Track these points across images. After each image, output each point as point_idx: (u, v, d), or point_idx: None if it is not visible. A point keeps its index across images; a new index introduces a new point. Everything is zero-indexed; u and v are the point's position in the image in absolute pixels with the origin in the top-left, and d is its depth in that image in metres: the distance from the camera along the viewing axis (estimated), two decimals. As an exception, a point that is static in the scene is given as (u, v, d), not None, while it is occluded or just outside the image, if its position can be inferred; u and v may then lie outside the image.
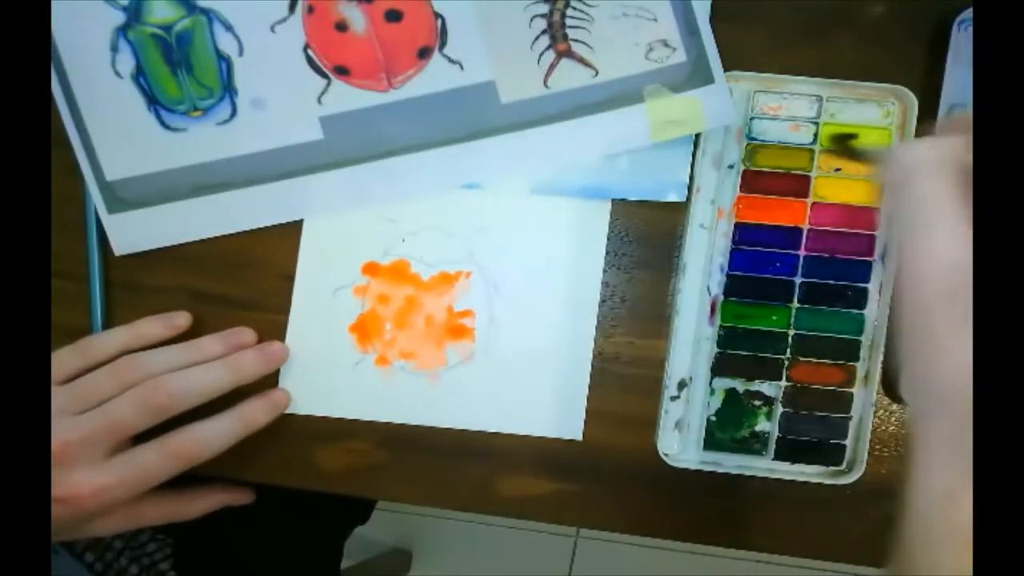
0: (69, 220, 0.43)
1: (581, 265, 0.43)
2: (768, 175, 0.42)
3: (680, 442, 0.42)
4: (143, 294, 0.43)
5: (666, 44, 0.41)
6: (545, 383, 0.42)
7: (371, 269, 0.43)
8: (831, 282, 0.42)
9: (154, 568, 0.53)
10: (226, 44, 0.41)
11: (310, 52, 0.41)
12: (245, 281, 0.43)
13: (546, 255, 0.43)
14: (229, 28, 0.41)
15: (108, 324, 0.43)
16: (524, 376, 0.42)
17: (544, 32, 0.41)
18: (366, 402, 0.43)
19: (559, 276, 0.43)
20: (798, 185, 0.42)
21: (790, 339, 0.42)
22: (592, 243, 0.43)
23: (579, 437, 0.42)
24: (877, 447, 0.42)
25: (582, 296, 0.43)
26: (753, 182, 0.42)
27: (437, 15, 0.41)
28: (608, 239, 0.43)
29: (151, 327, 0.41)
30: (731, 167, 0.42)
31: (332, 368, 0.43)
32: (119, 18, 0.41)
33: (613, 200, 0.43)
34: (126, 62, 0.41)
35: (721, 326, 0.42)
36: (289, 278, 0.43)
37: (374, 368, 0.43)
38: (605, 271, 0.43)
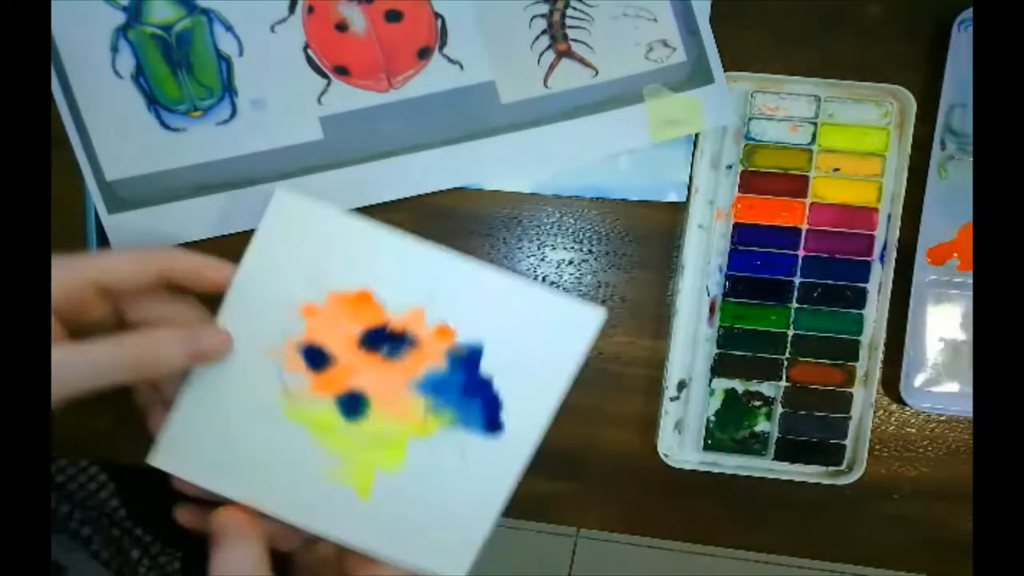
0: (69, 220, 0.43)
1: (538, 389, 0.35)
2: (766, 175, 0.42)
3: (680, 442, 0.42)
4: (143, 294, 0.43)
5: (666, 44, 0.41)
6: (443, 512, 0.35)
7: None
8: (830, 282, 0.42)
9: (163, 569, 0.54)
10: (226, 44, 0.41)
11: (310, 52, 0.41)
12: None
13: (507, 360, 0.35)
14: (229, 28, 0.41)
15: (108, 324, 0.43)
16: (425, 499, 0.35)
17: (544, 32, 0.41)
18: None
19: (508, 394, 0.35)
20: (796, 185, 0.42)
21: (789, 339, 0.42)
22: (564, 359, 0.35)
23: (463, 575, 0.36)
24: (877, 447, 0.42)
25: (523, 427, 0.35)
26: (751, 182, 0.42)
27: (437, 15, 0.41)
28: (608, 239, 0.43)
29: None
30: (729, 167, 0.42)
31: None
32: (119, 18, 0.41)
33: (613, 200, 0.43)
34: (126, 62, 0.41)
35: (720, 326, 0.42)
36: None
37: None
38: (605, 271, 0.43)
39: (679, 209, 0.43)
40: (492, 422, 0.35)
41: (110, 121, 0.42)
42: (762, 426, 0.42)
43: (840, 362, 0.42)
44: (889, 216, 0.42)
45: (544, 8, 0.41)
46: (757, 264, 0.42)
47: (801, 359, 0.42)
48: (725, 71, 0.41)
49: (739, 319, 0.42)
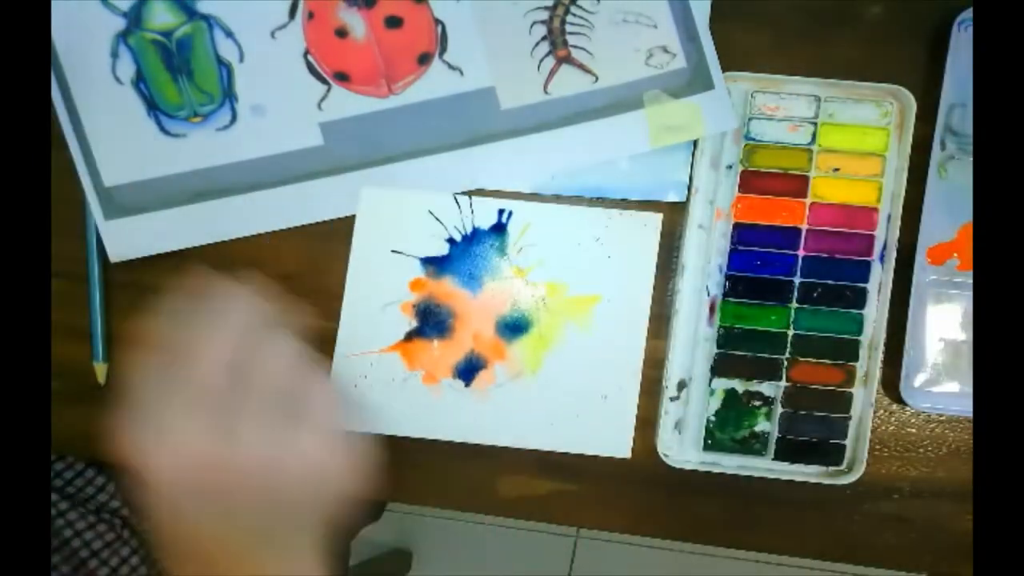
0: (70, 221, 0.43)
1: (632, 280, 0.42)
2: (766, 175, 0.42)
3: (680, 442, 0.43)
4: (143, 294, 0.43)
5: (666, 50, 0.41)
6: (595, 401, 0.42)
7: (419, 286, 0.43)
8: (830, 282, 0.42)
9: None
10: (226, 50, 0.41)
11: (310, 58, 0.41)
12: (245, 281, 0.43)
13: (596, 270, 0.43)
14: (229, 34, 0.41)
15: (108, 324, 0.43)
16: (574, 394, 0.42)
17: (544, 38, 0.41)
18: (414, 420, 0.42)
19: (609, 291, 0.42)
20: (796, 185, 0.42)
21: (789, 339, 0.42)
22: (644, 256, 0.42)
23: (628, 455, 0.42)
24: (877, 447, 0.43)
25: (632, 312, 0.42)
26: (751, 182, 0.42)
27: (437, 21, 0.41)
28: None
29: None
30: (730, 167, 0.42)
31: (379, 385, 0.42)
32: (119, 24, 0.41)
33: (613, 200, 0.43)
34: (126, 68, 0.41)
35: (720, 326, 0.42)
36: (288, 278, 0.43)
37: (422, 386, 0.42)
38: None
39: (679, 209, 0.43)
40: None
41: (109, 127, 0.42)
42: (762, 426, 0.42)
43: (840, 362, 0.42)
44: (889, 216, 0.42)
45: (544, 14, 0.41)
46: (757, 264, 0.42)
47: (801, 359, 0.42)
48: (725, 71, 0.41)
49: (739, 319, 0.42)
